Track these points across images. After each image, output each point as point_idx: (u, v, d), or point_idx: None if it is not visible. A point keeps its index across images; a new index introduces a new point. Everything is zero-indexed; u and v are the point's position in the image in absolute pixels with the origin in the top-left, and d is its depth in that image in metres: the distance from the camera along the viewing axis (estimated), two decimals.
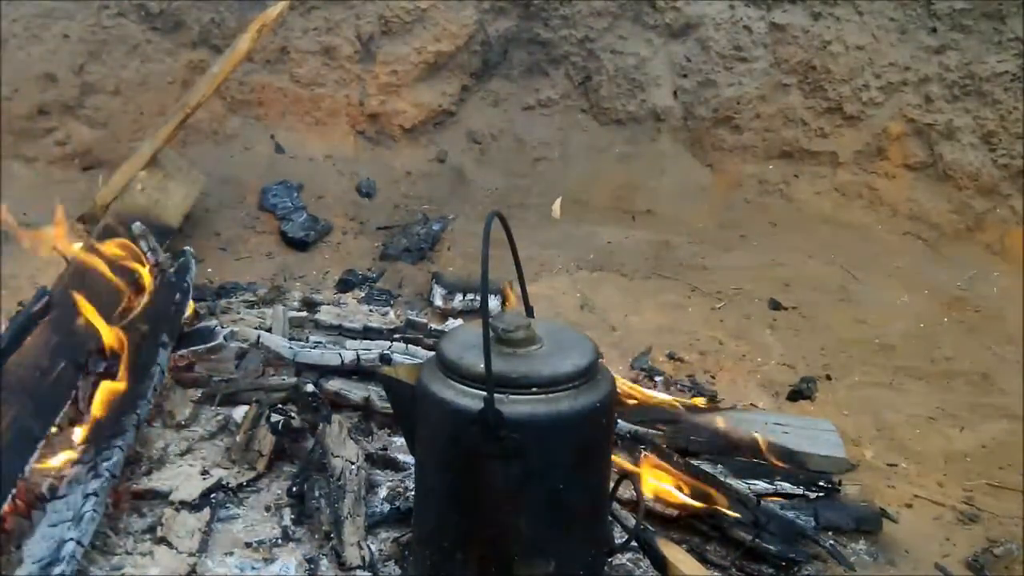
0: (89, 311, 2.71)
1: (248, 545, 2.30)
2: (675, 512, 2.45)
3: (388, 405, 2.64)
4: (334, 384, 2.92)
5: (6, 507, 2.17)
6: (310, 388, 2.86)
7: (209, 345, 2.97)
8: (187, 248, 3.43)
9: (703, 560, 2.32)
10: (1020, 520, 2.69)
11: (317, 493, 2.38)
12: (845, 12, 4.89)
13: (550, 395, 1.78)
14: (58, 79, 4.78)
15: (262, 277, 4.13)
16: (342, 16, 5.08)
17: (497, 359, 1.75)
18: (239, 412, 2.77)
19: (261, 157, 5.01)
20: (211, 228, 4.48)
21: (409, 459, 2.55)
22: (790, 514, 2.51)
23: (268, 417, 2.67)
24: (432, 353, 2.00)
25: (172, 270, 3.27)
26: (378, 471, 2.61)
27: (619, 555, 2.29)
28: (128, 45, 4.90)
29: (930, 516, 2.71)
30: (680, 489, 2.48)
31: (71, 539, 2.08)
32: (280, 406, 2.80)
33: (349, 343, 3.19)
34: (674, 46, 5.21)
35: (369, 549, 2.26)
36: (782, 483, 2.65)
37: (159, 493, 2.42)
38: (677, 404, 3.03)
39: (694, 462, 2.71)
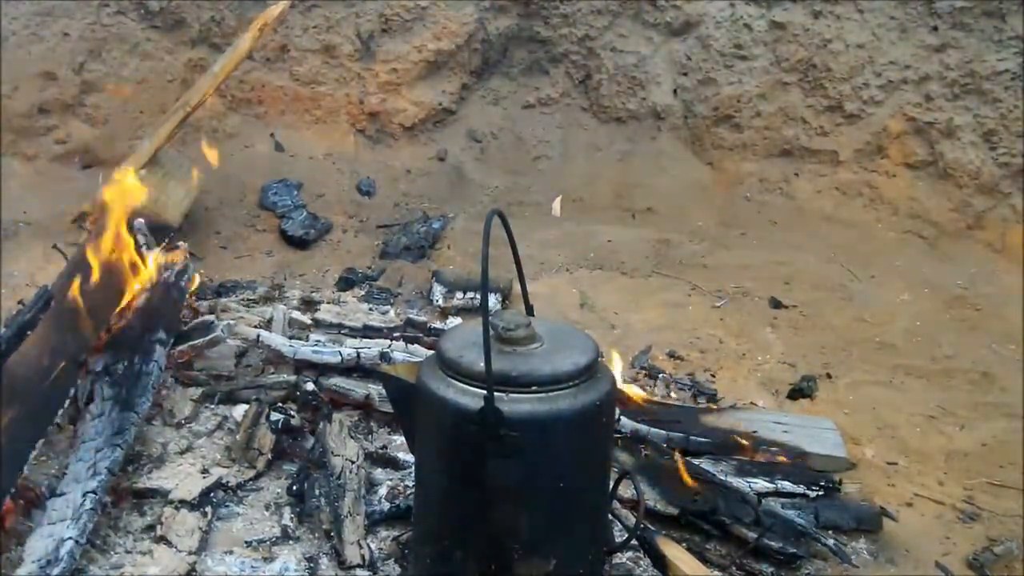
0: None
1: (248, 544, 2.30)
2: (675, 511, 2.45)
3: (388, 403, 2.64)
4: (334, 382, 2.92)
5: (6, 506, 2.17)
6: (310, 387, 2.86)
7: (208, 338, 2.97)
8: (180, 243, 3.42)
9: (703, 559, 2.31)
10: (1020, 519, 2.69)
11: (317, 492, 2.38)
12: (845, 10, 4.89)
13: (550, 394, 1.78)
14: (58, 77, 4.78)
15: (262, 275, 4.13)
16: (342, 14, 5.08)
17: (497, 357, 1.75)
18: (239, 411, 2.76)
19: (261, 155, 5.01)
20: (211, 226, 4.48)
21: (409, 458, 2.54)
22: (791, 513, 2.51)
23: (268, 416, 2.67)
24: (432, 351, 2.00)
25: (172, 271, 3.26)
26: (378, 469, 2.61)
27: (619, 554, 2.29)
28: (128, 43, 4.90)
29: (930, 515, 2.71)
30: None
31: (70, 538, 2.08)
32: (280, 404, 2.80)
33: (349, 341, 3.19)
34: (674, 44, 5.20)
35: (369, 548, 2.26)
36: (783, 482, 2.65)
37: (159, 492, 2.42)
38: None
39: (694, 461, 2.71)
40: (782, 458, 2.77)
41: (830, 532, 2.49)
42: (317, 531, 2.32)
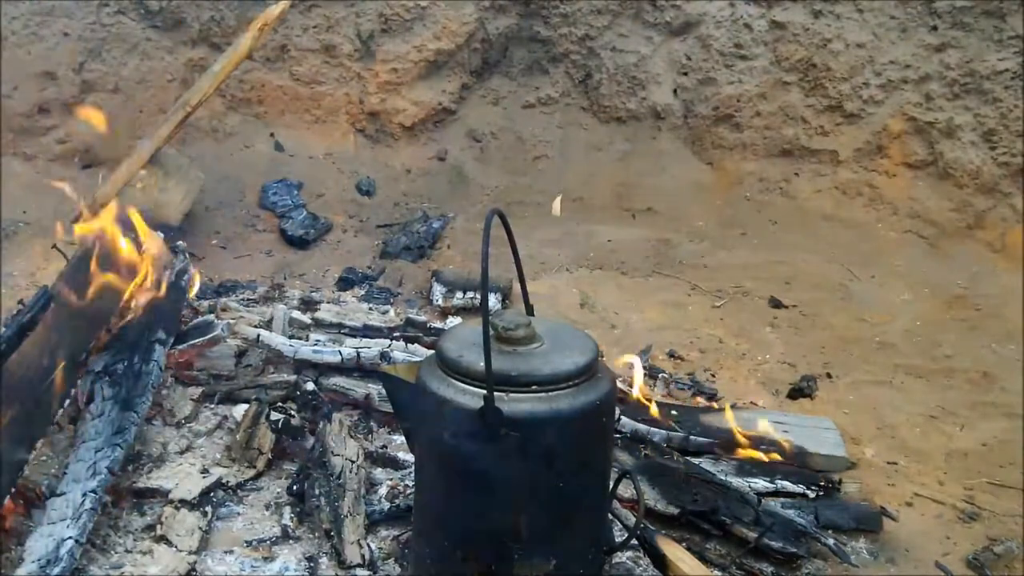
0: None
1: (248, 543, 2.30)
2: (675, 510, 2.45)
3: (388, 403, 2.64)
4: (334, 382, 2.92)
5: (6, 506, 2.17)
6: (310, 386, 2.86)
7: (208, 337, 2.97)
8: (179, 243, 3.42)
9: (703, 558, 2.31)
10: (1020, 518, 2.69)
11: (317, 491, 2.38)
12: (845, 10, 4.89)
13: (550, 393, 1.78)
14: (58, 77, 4.78)
15: (262, 275, 4.13)
16: (342, 14, 5.07)
17: (497, 357, 1.75)
18: (239, 410, 2.76)
19: (261, 155, 5.00)
20: (211, 226, 4.48)
21: (409, 457, 2.55)
22: (791, 513, 2.51)
23: (268, 415, 2.67)
24: (432, 351, 2.00)
25: (171, 271, 3.26)
26: (378, 469, 2.61)
27: (619, 553, 2.29)
28: (128, 43, 4.90)
29: (930, 514, 2.71)
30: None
31: (70, 537, 2.08)
32: (280, 404, 2.80)
33: (349, 341, 3.19)
34: (674, 44, 5.20)
35: (369, 547, 2.26)
36: (783, 482, 2.65)
37: (159, 491, 2.42)
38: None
39: (694, 461, 2.71)
40: (779, 456, 2.78)
41: (830, 532, 2.49)
42: (317, 531, 2.32)
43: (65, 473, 2.33)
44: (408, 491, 2.46)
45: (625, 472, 2.15)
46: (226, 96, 5.03)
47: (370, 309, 3.68)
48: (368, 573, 2.19)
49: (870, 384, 3.45)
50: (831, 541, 2.41)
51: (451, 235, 4.55)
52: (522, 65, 5.34)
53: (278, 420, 2.66)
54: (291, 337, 3.20)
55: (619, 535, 2.32)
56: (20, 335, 2.58)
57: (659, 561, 2.20)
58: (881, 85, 4.85)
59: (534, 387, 1.77)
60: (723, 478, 2.60)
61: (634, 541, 2.22)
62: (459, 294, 3.79)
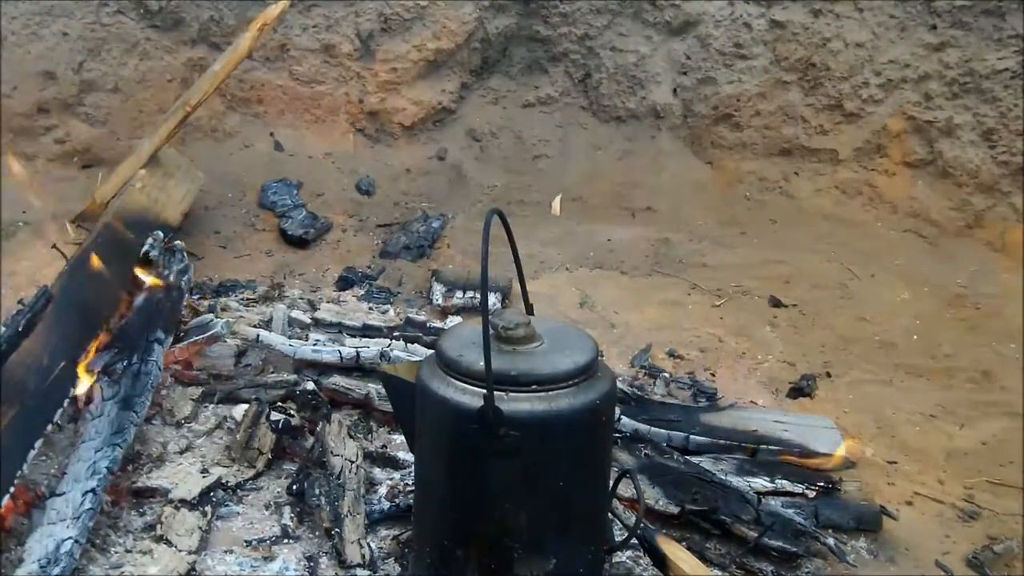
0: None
1: (248, 543, 2.30)
2: (675, 510, 2.45)
3: (388, 403, 2.64)
4: (334, 382, 2.92)
5: (5, 505, 2.17)
6: (310, 386, 2.86)
7: (207, 335, 2.97)
8: (178, 242, 3.42)
9: (703, 558, 2.31)
10: (1020, 517, 2.69)
11: (317, 491, 2.38)
12: (845, 9, 4.89)
13: (550, 393, 1.78)
14: (57, 77, 4.77)
15: (262, 275, 4.12)
16: (342, 14, 5.07)
17: (497, 357, 1.75)
18: (239, 410, 2.77)
19: (260, 155, 5.00)
20: (211, 226, 4.47)
21: (409, 457, 2.55)
22: (790, 512, 2.51)
23: (268, 415, 2.67)
24: (432, 351, 2.00)
25: (171, 270, 3.26)
26: (378, 469, 2.62)
27: (619, 553, 2.29)
28: (127, 43, 4.89)
29: (930, 513, 2.71)
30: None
31: (70, 537, 2.08)
32: (280, 404, 2.80)
33: (349, 341, 3.19)
34: (674, 43, 5.20)
35: (369, 547, 2.26)
36: (782, 481, 2.65)
37: (159, 491, 2.42)
38: None
39: (694, 460, 2.71)
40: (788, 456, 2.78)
41: (830, 531, 2.49)
42: (317, 530, 2.32)
43: (65, 473, 2.34)
44: (408, 491, 2.46)
45: (625, 472, 2.15)
46: (226, 96, 5.02)
47: (370, 309, 3.68)
48: (368, 573, 2.19)
49: (870, 383, 3.45)
50: (831, 540, 2.41)
51: (451, 235, 4.54)
52: (522, 64, 5.34)
53: (278, 420, 2.66)
54: (291, 337, 3.20)
55: (619, 535, 2.33)
56: (20, 335, 2.58)
57: (659, 561, 2.20)
58: (880, 84, 4.85)
59: (534, 387, 1.77)
60: (723, 477, 2.60)
61: (634, 541, 2.22)
62: (459, 293, 3.79)
